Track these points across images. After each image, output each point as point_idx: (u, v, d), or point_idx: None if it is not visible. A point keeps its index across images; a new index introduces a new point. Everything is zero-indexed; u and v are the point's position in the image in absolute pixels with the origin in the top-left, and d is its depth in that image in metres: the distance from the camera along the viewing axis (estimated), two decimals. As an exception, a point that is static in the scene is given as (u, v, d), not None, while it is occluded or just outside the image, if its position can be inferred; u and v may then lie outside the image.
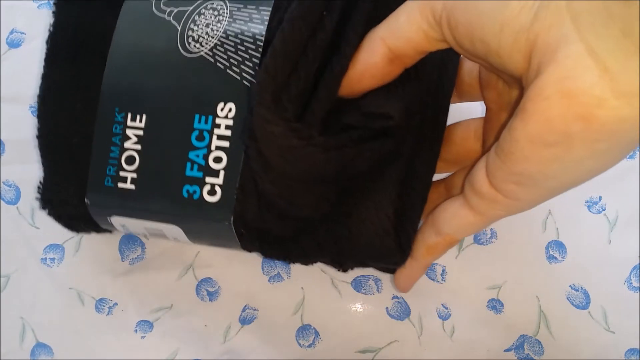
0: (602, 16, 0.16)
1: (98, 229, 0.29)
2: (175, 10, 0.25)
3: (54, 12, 0.27)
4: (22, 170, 0.34)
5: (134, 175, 0.25)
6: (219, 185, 0.24)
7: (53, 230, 0.33)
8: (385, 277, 0.33)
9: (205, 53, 0.24)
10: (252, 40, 0.24)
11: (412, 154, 0.25)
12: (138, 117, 0.25)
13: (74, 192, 0.26)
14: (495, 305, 0.32)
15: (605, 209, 0.33)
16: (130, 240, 0.33)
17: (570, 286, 0.33)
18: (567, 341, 0.32)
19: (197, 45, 0.24)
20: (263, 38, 0.24)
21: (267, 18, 0.24)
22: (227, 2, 0.25)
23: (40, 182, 0.27)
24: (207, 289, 0.33)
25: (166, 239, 0.28)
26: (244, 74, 0.24)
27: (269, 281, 0.33)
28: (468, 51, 0.20)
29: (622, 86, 0.16)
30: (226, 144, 0.24)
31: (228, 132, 0.24)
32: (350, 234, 0.24)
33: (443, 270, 0.33)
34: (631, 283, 0.33)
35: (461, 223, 0.23)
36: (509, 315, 0.32)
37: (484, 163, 0.21)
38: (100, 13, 0.26)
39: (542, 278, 0.33)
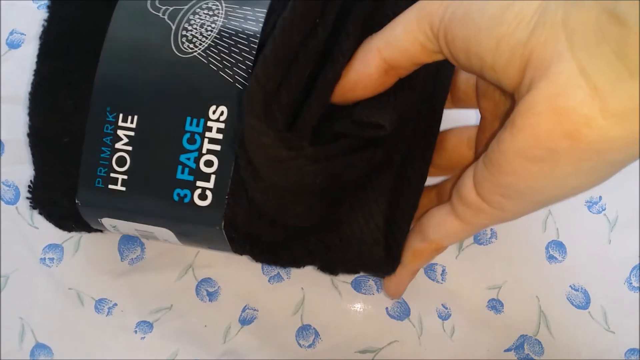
0: (596, 36, 0.16)
1: (89, 229, 0.28)
2: (170, 9, 0.25)
3: (48, 7, 0.26)
4: (21, 170, 0.34)
5: (125, 176, 0.25)
6: (210, 190, 0.24)
7: (52, 230, 0.33)
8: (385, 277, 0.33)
9: (199, 54, 0.24)
10: (246, 43, 0.24)
11: (404, 162, 0.25)
12: (129, 118, 0.24)
13: (64, 192, 0.26)
14: (495, 305, 0.32)
15: (605, 209, 0.33)
16: (129, 241, 0.33)
17: (570, 286, 0.33)
18: (567, 341, 0.32)
19: (191, 45, 0.24)
20: (257, 40, 0.24)
21: (262, 20, 0.24)
22: (222, 2, 0.25)
23: (30, 182, 0.27)
24: (206, 289, 0.33)
25: (159, 241, 0.28)
26: (237, 77, 0.24)
27: (268, 281, 0.33)
28: (463, 65, 0.20)
29: (610, 107, 0.16)
30: (217, 147, 0.24)
31: (219, 136, 0.24)
32: (341, 242, 0.24)
33: (443, 271, 0.33)
34: (631, 283, 0.33)
35: (447, 230, 0.23)
36: (509, 315, 0.32)
37: (472, 172, 0.21)
38: (94, 10, 0.26)
39: (542, 278, 0.33)
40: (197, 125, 0.24)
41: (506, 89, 0.19)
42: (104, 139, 0.25)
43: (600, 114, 0.16)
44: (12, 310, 0.32)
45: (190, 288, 0.33)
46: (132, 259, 0.33)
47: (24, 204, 0.34)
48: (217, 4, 0.25)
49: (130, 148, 0.24)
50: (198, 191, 0.24)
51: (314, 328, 0.32)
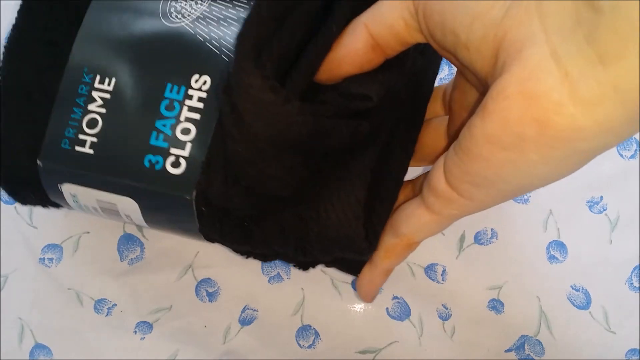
0: (571, 19, 0.16)
1: (45, 202, 0.27)
2: None
3: None
4: (20, 170, 0.33)
5: (94, 139, 0.24)
6: (184, 157, 0.23)
7: (51, 230, 0.33)
8: (385, 278, 0.33)
9: (186, 24, 0.24)
10: (236, 19, 0.24)
11: (386, 151, 0.25)
12: (107, 80, 0.24)
13: (27, 152, 0.25)
14: (496, 305, 0.32)
15: (606, 209, 0.33)
16: (129, 241, 0.33)
17: (571, 286, 0.33)
18: (567, 341, 0.32)
19: (179, 16, 0.24)
20: (247, 15, 0.24)
21: None
22: None
23: None
24: (206, 290, 0.33)
25: (121, 220, 0.27)
26: (223, 49, 0.23)
27: (268, 281, 0.33)
28: (439, 43, 0.20)
29: (580, 94, 0.16)
30: (197, 116, 0.23)
31: (200, 105, 0.23)
32: (319, 216, 0.23)
33: (443, 271, 0.33)
34: (632, 283, 0.33)
35: (417, 223, 0.23)
36: (509, 315, 0.32)
37: (442, 161, 0.21)
38: None
39: (542, 278, 0.33)
40: (178, 92, 0.23)
41: (479, 73, 0.19)
42: (76, 100, 0.24)
43: (569, 101, 0.16)
44: (11, 311, 0.32)
45: (190, 288, 0.33)
46: (131, 259, 0.33)
47: (23, 203, 0.33)
48: None
49: (103, 110, 0.24)
50: (171, 158, 0.23)
51: (314, 328, 0.32)
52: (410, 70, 0.24)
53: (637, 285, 0.33)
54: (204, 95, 0.23)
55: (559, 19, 0.16)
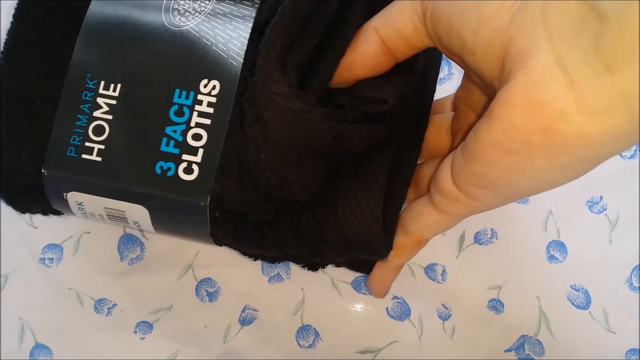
0: (576, 27, 0.16)
1: (47, 209, 0.27)
2: None
3: None
4: (20, 170, 0.33)
5: (102, 146, 0.23)
6: (197, 164, 0.23)
7: (52, 230, 0.33)
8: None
9: (191, 28, 0.24)
10: (241, 20, 0.23)
11: (396, 151, 0.25)
12: (112, 86, 0.23)
13: (31, 160, 0.24)
14: (496, 305, 0.32)
15: (606, 209, 0.33)
16: (129, 241, 0.33)
17: (570, 286, 0.33)
18: (567, 341, 0.32)
19: (183, 19, 0.24)
20: (253, 18, 0.23)
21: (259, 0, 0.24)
22: None
23: None
24: (206, 290, 0.33)
25: (128, 226, 0.27)
26: (231, 53, 0.23)
27: (268, 281, 0.33)
28: (446, 47, 0.20)
29: (586, 102, 0.16)
30: (207, 121, 0.23)
31: (210, 110, 0.23)
32: (337, 218, 0.24)
33: (443, 271, 0.33)
34: (632, 283, 0.33)
35: (426, 221, 0.23)
36: (509, 315, 0.32)
37: (449, 162, 0.21)
38: None
39: (542, 278, 0.33)
40: (187, 97, 0.23)
41: (485, 77, 0.19)
42: (81, 106, 0.23)
43: (576, 109, 0.16)
44: (11, 311, 0.32)
45: (190, 288, 0.33)
46: (131, 259, 0.33)
47: (23, 203, 0.33)
48: None
49: (110, 117, 0.23)
50: (183, 165, 0.23)
51: (314, 328, 0.32)
52: (416, 75, 0.25)
53: (637, 285, 0.33)
54: (213, 100, 0.23)
55: (563, 26, 0.16)
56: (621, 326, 0.32)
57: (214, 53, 0.23)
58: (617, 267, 0.33)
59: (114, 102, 0.23)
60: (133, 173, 0.23)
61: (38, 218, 0.33)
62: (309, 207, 0.24)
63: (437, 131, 0.27)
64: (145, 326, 0.32)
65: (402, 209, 0.25)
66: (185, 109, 0.23)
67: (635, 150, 0.34)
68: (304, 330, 0.32)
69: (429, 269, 0.33)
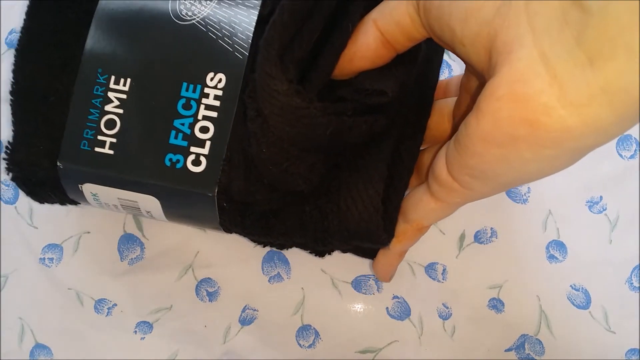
0: (559, 21, 0.16)
1: (64, 200, 0.27)
2: None
3: None
4: (20, 170, 0.33)
5: (114, 140, 0.24)
6: (204, 156, 0.24)
7: (52, 230, 0.33)
8: (385, 277, 0.33)
9: (197, 22, 0.24)
10: (246, 14, 0.24)
11: (398, 140, 0.25)
12: (122, 80, 0.24)
13: (46, 154, 0.25)
14: (496, 304, 0.32)
15: (606, 209, 0.33)
16: (129, 240, 0.33)
17: (570, 286, 0.33)
18: (567, 341, 0.32)
19: (189, 13, 0.24)
20: (257, 12, 0.24)
21: None
22: None
23: (8, 142, 0.26)
24: (206, 290, 0.33)
25: (141, 215, 0.27)
26: (236, 46, 0.24)
27: (269, 281, 0.33)
28: (439, 37, 0.20)
29: (569, 95, 0.16)
30: (214, 114, 0.24)
31: (217, 103, 0.24)
32: (339, 209, 0.24)
33: (444, 270, 0.33)
34: (632, 283, 0.33)
35: (425, 209, 0.24)
36: (509, 314, 0.32)
37: (444, 151, 0.21)
38: None
39: (542, 278, 0.33)
40: (194, 91, 0.24)
41: (476, 67, 0.19)
42: (92, 101, 0.24)
43: (558, 103, 0.16)
44: (11, 311, 0.32)
45: (190, 288, 0.33)
46: (131, 259, 0.33)
47: (23, 203, 0.33)
48: None
49: (121, 111, 0.24)
50: (192, 157, 0.24)
51: (314, 328, 0.32)
52: (418, 65, 0.25)
53: (637, 285, 0.33)
54: (219, 93, 0.24)
55: (547, 19, 0.16)
56: (621, 326, 0.32)
57: (220, 46, 0.24)
58: (617, 267, 0.33)
59: (124, 96, 0.24)
60: (144, 165, 0.24)
61: (38, 218, 0.33)
62: (312, 198, 0.25)
63: (439, 117, 0.27)
64: (145, 326, 0.32)
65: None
66: (193, 102, 0.24)
67: (635, 150, 0.34)
68: (304, 330, 0.32)
69: (430, 268, 0.33)
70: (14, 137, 0.26)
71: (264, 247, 0.30)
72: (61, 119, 0.24)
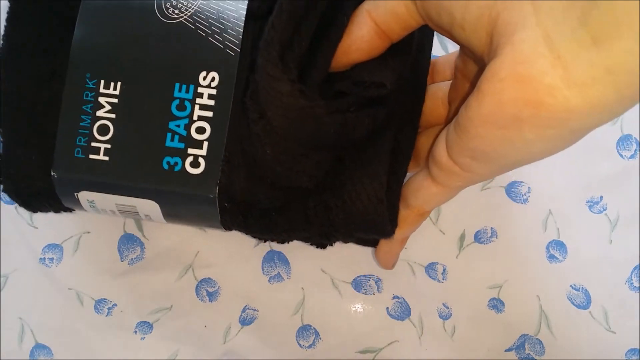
0: (562, 1, 0.16)
1: (59, 208, 0.27)
2: None
3: None
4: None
5: (108, 145, 0.24)
6: (203, 157, 0.23)
7: (52, 230, 0.33)
8: (385, 277, 0.33)
9: (185, 19, 0.23)
10: (234, 9, 0.23)
11: (396, 128, 0.25)
12: (112, 85, 0.23)
13: (39, 164, 0.24)
14: (496, 304, 0.32)
15: (606, 209, 0.33)
16: (129, 241, 0.33)
17: (571, 286, 0.33)
18: (568, 341, 0.32)
19: (176, 11, 0.24)
20: (245, 7, 0.23)
21: None
22: None
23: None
24: (206, 290, 0.32)
25: (139, 218, 0.27)
26: (227, 43, 0.23)
27: (269, 281, 0.33)
28: (435, 22, 0.20)
29: (573, 76, 0.16)
30: (209, 114, 0.23)
31: (211, 102, 0.23)
32: (344, 203, 0.24)
33: (444, 270, 0.33)
34: (632, 283, 0.33)
35: (425, 194, 0.24)
36: (509, 314, 0.32)
37: (444, 135, 0.21)
38: None
39: (542, 277, 0.33)
40: (187, 91, 0.23)
41: (476, 51, 0.19)
42: (83, 107, 0.23)
43: (562, 84, 0.16)
44: (11, 311, 0.32)
45: (190, 288, 0.33)
46: (131, 259, 0.33)
47: (23, 203, 0.33)
48: None
49: (113, 116, 0.23)
50: (190, 159, 0.23)
51: (314, 328, 0.32)
52: (411, 53, 0.25)
53: (637, 285, 0.33)
54: (213, 92, 0.23)
55: (550, 1, 0.16)
56: (621, 326, 0.32)
57: (210, 44, 0.23)
58: (617, 267, 0.33)
59: (115, 100, 0.24)
60: (141, 170, 0.24)
61: (38, 218, 0.33)
62: (316, 194, 0.24)
63: (433, 101, 0.27)
64: (145, 326, 0.32)
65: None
66: (187, 103, 0.23)
67: (635, 150, 0.34)
68: (304, 330, 0.32)
69: (430, 268, 0.33)
70: (4, 149, 0.25)
71: (265, 242, 0.30)
72: (52, 127, 0.24)
